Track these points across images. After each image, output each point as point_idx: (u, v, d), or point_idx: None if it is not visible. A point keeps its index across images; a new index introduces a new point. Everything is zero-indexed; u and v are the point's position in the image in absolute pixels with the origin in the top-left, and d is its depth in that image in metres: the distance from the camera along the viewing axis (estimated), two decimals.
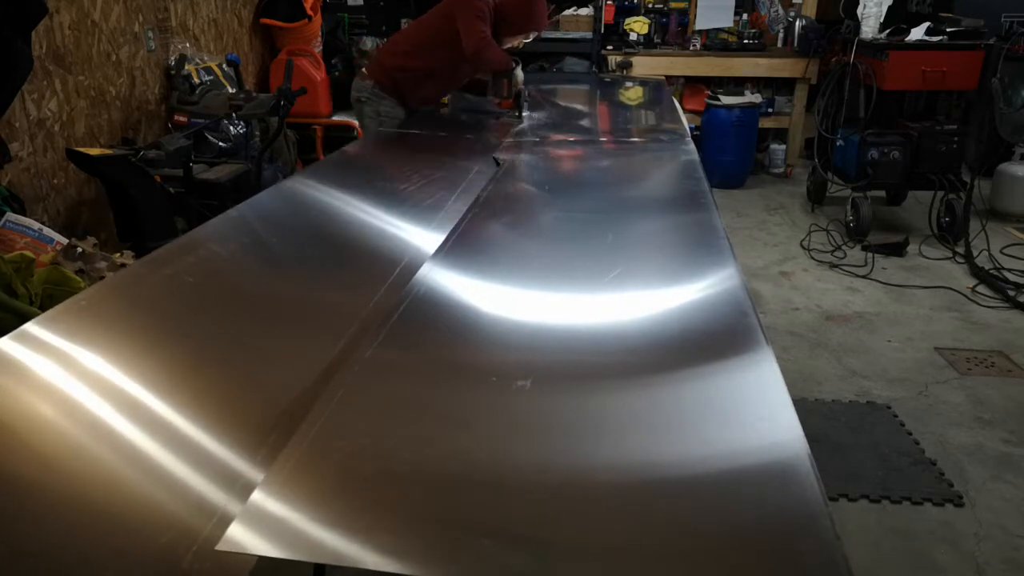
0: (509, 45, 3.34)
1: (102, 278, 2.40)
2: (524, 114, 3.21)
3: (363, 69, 3.46)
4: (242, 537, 0.77)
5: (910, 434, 2.65)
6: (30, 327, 1.21)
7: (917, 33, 4.49)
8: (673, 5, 6.19)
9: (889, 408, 2.82)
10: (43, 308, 2.12)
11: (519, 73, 3.20)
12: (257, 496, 0.83)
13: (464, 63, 3.21)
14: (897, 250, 4.39)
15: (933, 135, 4.47)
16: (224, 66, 4.52)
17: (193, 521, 0.82)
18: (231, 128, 4.16)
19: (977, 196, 4.41)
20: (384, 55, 3.46)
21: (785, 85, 6.09)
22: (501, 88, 3.23)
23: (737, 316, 1.26)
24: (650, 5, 6.21)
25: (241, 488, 0.86)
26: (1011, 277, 3.96)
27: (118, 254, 2.76)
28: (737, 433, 0.97)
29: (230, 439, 0.96)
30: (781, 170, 6.17)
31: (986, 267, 4.07)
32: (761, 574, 0.75)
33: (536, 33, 3.44)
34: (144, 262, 1.64)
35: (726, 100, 5.64)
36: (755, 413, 1.01)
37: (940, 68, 4.38)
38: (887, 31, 4.63)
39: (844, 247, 4.47)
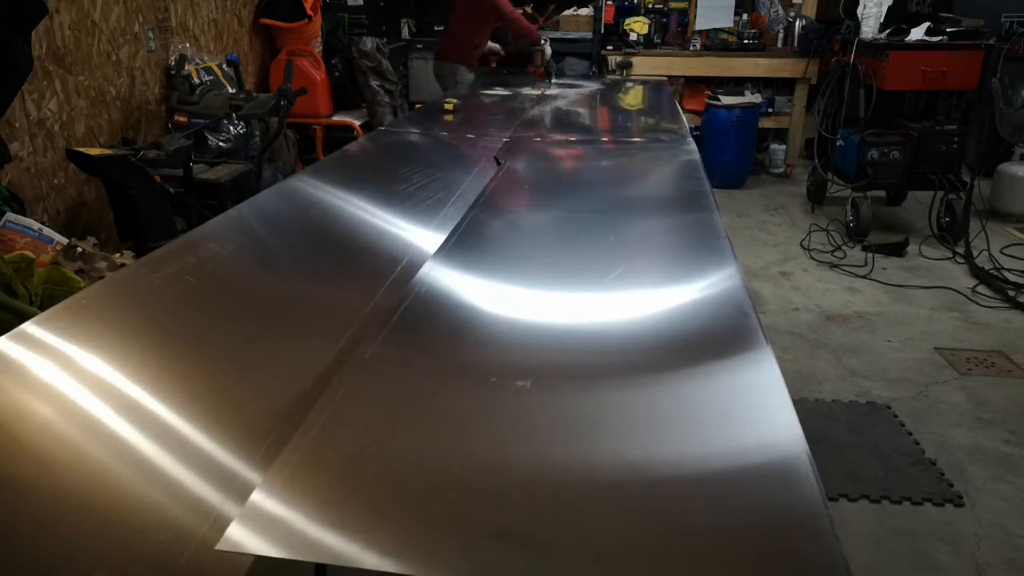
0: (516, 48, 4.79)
1: (102, 278, 2.40)
2: (553, 81, 4.48)
3: (439, 53, 4.99)
4: (242, 536, 0.77)
5: (910, 434, 2.65)
6: (28, 327, 1.21)
7: (917, 33, 4.49)
8: (673, 5, 6.19)
9: (889, 408, 2.82)
10: (43, 308, 2.12)
11: (548, 48, 4.61)
12: (257, 495, 0.83)
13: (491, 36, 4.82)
14: (897, 250, 4.39)
15: (933, 135, 4.47)
16: (224, 66, 4.52)
17: (192, 521, 0.82)
18: (231, 128, 4.16)
19: (977, 196, 4.41)
20: (447, 43, 4.95)
21: (785, 85, 6.09)
22: (536, 58, 4.62)
23: (737, 316, 1.26)
24: (650, 5, 6.21)
25: (241, 488, 0.86)
26: (1011, 277, 3.96)
27: (118, 254, 2.76)
28: (737, 433, 0.97)
29: (230, 438, 0.96)
30: (781, 170, 6.17)
31: (986, 267, 4.08)
32: (760, 575, 0.75)
33: (530, 42, 4.69)
34: (144, 262, 1.64)
35: (726, 100, 5.64)
36: (755, 413, 1.01)
37: (940, 68, 4.38)
38: (887, 31, 4.63)
39: (844, 247, 4.47)
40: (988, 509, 2.28)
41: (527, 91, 4.04)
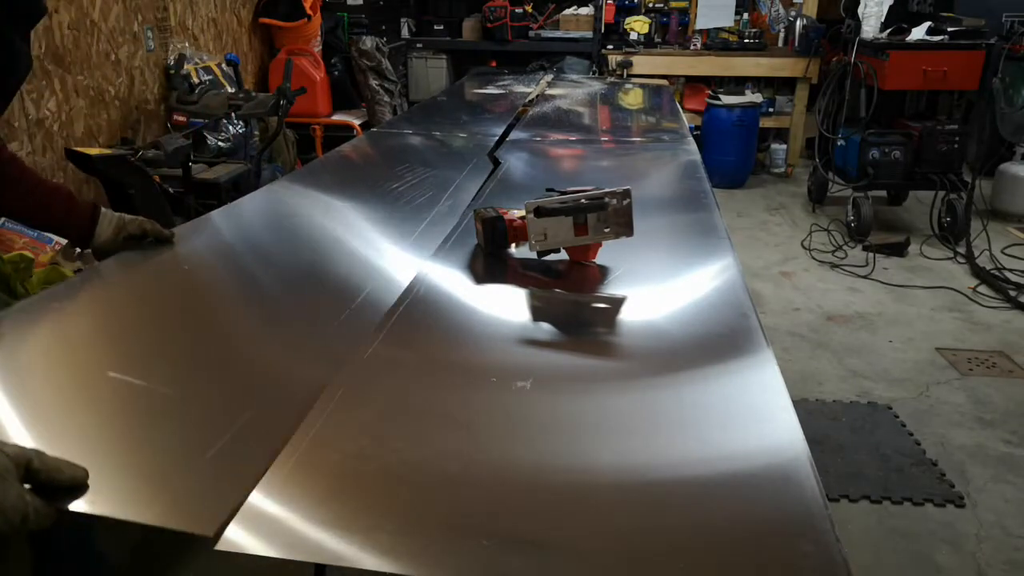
0: None
1: None
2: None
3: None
4: (241, 537, 0.77)
5: (911, 435, 2.65)
6: (26, 327, 1.21)
7: (918, 33, 4.48)
8: (674, 4, 6.19)
9: (890, 409, 2.82)
10: None
11: None
12: (256, 495, 0.83)
13: None
14: (898, 250, 4.39)
15: (934, 135, 4.46)
16: (223, 66, 4.52)
17: (191, 521, 0.82)
18: (230, 128, 4.16)
19: (978, 196, 4.41)
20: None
21: (786, 84, 6.08)
22: None
23: (738, 317, 1.26)
24: (651, 4, 6.21)
25: (240, 487, 0.86)
26: (1012, 277, 3.95)
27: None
28: (737, 435, 0.97)
29: (228, 437, 0.96)
30: (782, 170, 6.16)
31: (987, 267, 4.07)
32: None
33: None
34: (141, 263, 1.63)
35: (727, 100, 5.63)
36: (755, 415, 1.01)
37: (941, 68, 4.38)
38: (888, 31, 4.63)
39: (845, 247, 4.47)
40: (989, 510, 2.28)
41: (525, 89, 4.03)
